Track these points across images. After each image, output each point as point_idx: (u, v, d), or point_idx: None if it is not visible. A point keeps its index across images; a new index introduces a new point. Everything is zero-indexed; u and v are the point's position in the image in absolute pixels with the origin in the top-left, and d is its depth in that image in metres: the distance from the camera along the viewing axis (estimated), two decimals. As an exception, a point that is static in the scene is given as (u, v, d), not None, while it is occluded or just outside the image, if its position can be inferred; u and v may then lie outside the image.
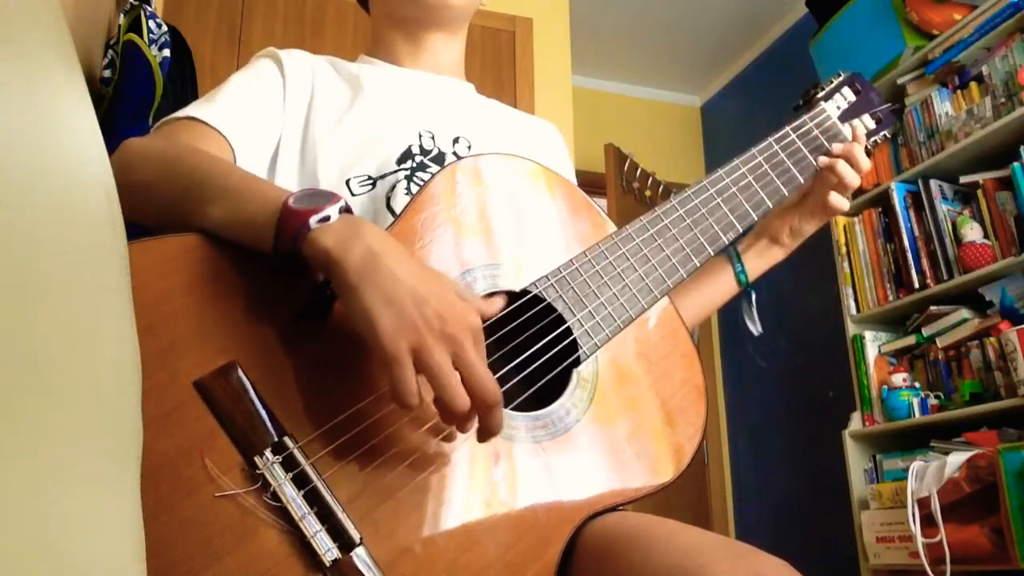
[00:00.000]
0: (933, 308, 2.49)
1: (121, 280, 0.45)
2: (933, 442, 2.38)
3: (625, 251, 0.80)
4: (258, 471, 0.59)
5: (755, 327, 0.97)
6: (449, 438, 0.66)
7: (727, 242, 0.85)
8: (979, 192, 2.42)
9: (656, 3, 3.70)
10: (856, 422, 2.64)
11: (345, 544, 0.58)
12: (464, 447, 0.66)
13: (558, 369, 0.73)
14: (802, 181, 0.92)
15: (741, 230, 0.87)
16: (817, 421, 3.21)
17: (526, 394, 0.71)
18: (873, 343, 2.68)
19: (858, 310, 2.73)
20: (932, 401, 2.44)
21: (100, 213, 0.42)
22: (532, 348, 0.73)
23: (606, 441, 0.73)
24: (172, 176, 0.73)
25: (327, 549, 0.58)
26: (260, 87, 0.89)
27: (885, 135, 1.01)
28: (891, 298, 2.63)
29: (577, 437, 0.71)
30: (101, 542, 0.34)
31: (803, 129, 0.93)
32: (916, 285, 2.53)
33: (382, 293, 0.59)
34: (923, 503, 2.13)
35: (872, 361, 2.65)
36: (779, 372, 3.58)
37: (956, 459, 2.10)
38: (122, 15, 1.49)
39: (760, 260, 0.97)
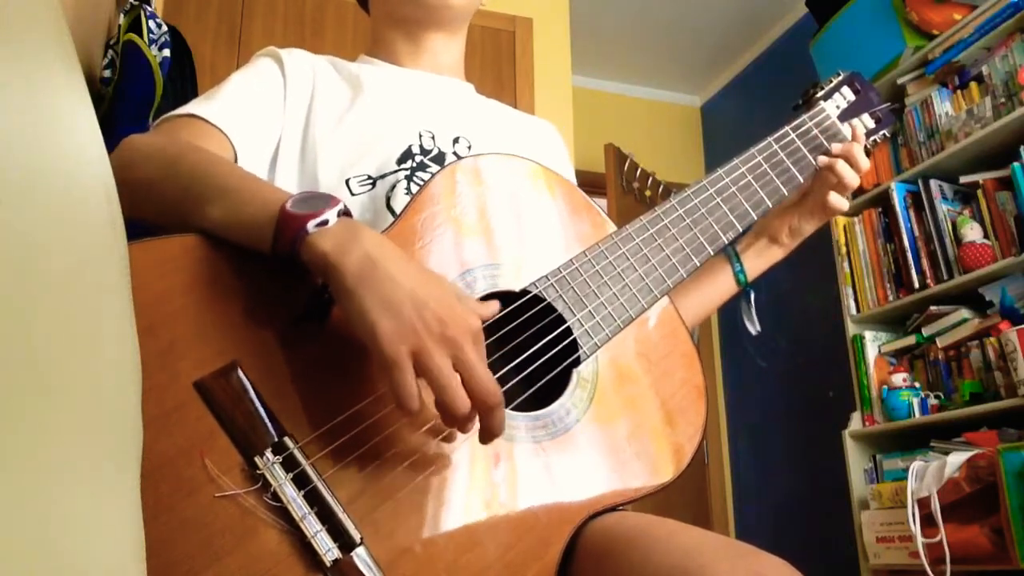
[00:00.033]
0: (933, 308, 2.49)
1: (121, 280, 0.45)
2: (933, 442, 2.38)
3: (625, 251, 0.80)
4: (258, 471, 0.59)
5: (754, 327, 0.97)
6: (449, 438, 0.66)
7: (727, 242, 0.85)
8: (979, 192, 2.42)
9: (656, 3, 3.70)
10: (856, 422, 2.64)
11: (346, 544, 0.58)
12: (464, 447, 0.66)
13: (558, 369, 0.73)
14: (801, 181, 0.92)
15: (741, 230, 0.87)
16: (817, 421, 3.21)
17: (526, 394, 0.71)
18: (873, 343, 2.68)
19: (858, 310, 2.73)
20: (932, 401, 2.45)
21: (100, 213, 0.42)
22: (532, 348, 0.73)
23: (606, 441, 0.73)
24: (173, 175, 0.73)
25: (328, 549, 0.58)
26: (261, 86, 0.89)
27: (884, 134, 1.01)
28: (891, 298, 2.63)
29: (577, 437, 0.71)
30: (101, 542, 0.34)
31: (802, 129, 0.93)
32: (916, 285, 2.53)
33: (380, 297, 0.59)
34: (923, 503, 2.13)
35: (872, 361, 2.65)
36: (779, 372, 3.58)
37: (956, 459, 2.11)
38: (122, 15, 1.49)
39: (759, 260, 0.97)
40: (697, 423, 0.78)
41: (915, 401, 2.46)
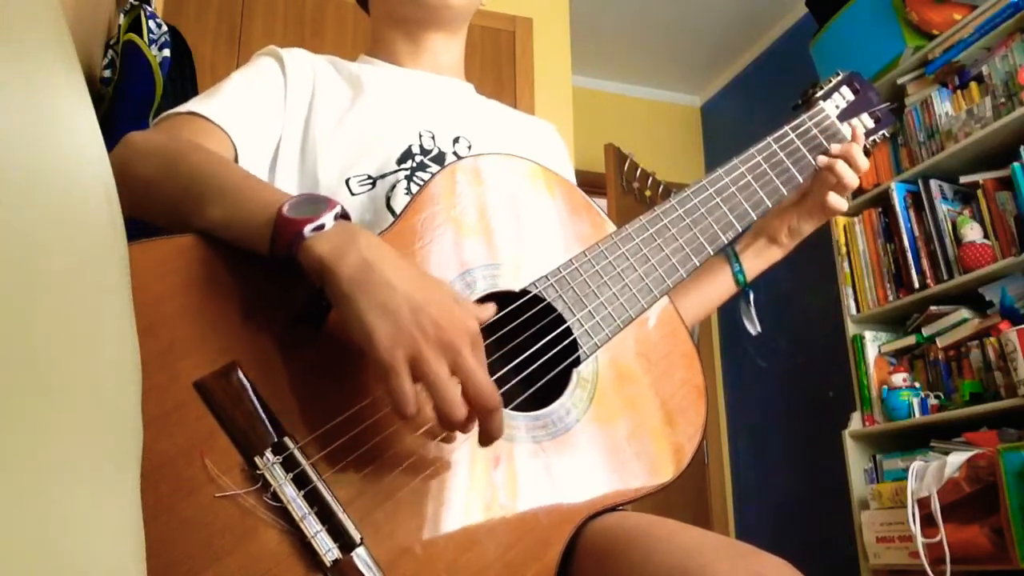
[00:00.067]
0: (933, 308, 2.49)
1: (121, 280, 0.45)
2: (933, 442, 2.38)
3: (625, 251, 0.80)
4: (258, 471, 0.59)
5: (753, 327, 0.97)
6: (449, 439, 0.65)
7: (726, 241, 0.85)
8: (979, 192, 2.42)
9: (656, 3, 3.70)
10: (856, 422, 2.64)
11: (346, 544, 0.58)
12: (464, 448, 0.66)
13: (558, 369, 0.73)
14: (801, 181, 0.92)
15: (740, 230, 0.87)
16: (817, 421, 3.21)
17: (526, 394, 0.71)
18: (873, 343, 2.68)
19: (858, 310, 2.73)
20: (932, 401, 2.45)
21: (100, 213, 0.42)
22: (532, 348, 0.73)
23: (606, 441, 0.73)
24: (173, 174, 0.73)
25: (328, 549, 0.58)
26: (261, 85, 0.89)
27: (884, 134, 1.01)
28: (891, 298, 2.63)
29: (577, 437, 0.71)
30: (101, 542, 0.34)
31: (802, 128, 0.93)
32: (916, 285, 2.53)
33: (377, 302, 0.59)
34: (923, 503, 2.13)
35: (872, 361, 2.65)
36: (779, 372, 3.58)
37: (956, 459, 2.11)
38: (122, 15, 1.49)
39: (758, 260, 0.97)
40: (697, 423, 0.78)
41: (915, 401, 2.46)
